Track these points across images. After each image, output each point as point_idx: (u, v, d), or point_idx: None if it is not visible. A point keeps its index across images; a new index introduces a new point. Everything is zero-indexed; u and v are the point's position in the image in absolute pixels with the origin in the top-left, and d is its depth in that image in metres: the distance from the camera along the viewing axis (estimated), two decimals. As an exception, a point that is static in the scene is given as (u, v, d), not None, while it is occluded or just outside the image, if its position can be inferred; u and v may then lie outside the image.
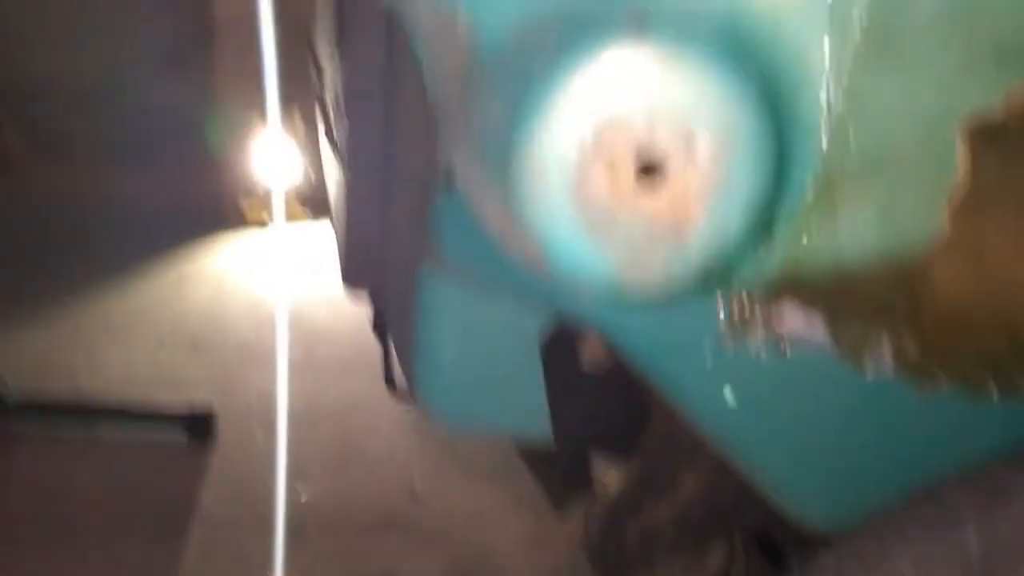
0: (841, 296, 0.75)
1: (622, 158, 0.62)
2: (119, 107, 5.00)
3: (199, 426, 2.98)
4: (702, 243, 0.64)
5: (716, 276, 0.69)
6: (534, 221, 0.63)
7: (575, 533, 1.43)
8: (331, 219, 1.65)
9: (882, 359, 0.78)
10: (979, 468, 1.01)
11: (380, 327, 2.12)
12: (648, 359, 0.96)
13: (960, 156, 0.70)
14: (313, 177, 4.20)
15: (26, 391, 3.03)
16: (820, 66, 0.66)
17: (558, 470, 1.37)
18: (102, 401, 3.11)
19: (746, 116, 0.62)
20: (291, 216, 4.46)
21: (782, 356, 0.79)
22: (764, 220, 0.67)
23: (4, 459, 2.76)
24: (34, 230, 4.49)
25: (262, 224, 4.78)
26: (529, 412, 1.32)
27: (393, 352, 1.98)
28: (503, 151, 0.63)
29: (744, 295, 0.75)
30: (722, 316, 0.78)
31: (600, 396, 1.30)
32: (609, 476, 1.27)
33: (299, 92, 1.85)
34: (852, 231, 0.71)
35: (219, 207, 4.98)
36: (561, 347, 1.26)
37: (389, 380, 2.66)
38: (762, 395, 0.96)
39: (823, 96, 0.67)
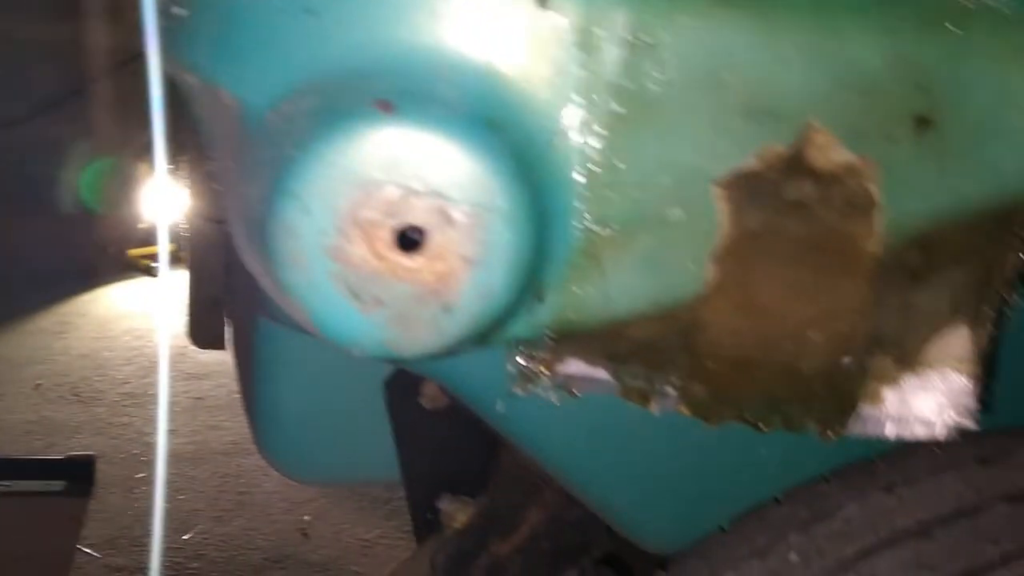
0: (618, 345, 0.78)
1: (379, 226, 0.64)
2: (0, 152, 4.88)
3: (78, 474, 2.91)
4: (468, 304, 0.66)
5: (489, 332, 0.71)
6: (296, 288, 0.65)
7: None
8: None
9: (668, 400, 0.81)
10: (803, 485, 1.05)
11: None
12: (476, 399, 0.98)
13: (720, 209, 0.74)
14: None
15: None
16: (574, 131, 0.69)
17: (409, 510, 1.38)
18: (-24, 452, 3.02)
19: (500, 185, 0.64)
20: (177, 262, 4.40)
21: (575, 399, 0.81)
22: (530, 278, 0.69)
23: None
24: (-90, 277, 4.35)
25: (147, 271, 4.71)
26: (375, 456, 1.33)
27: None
28: (263, 222, 0.64)
29: (523, 346, 0.78)
30: (508, 366, 0.80)
31: (447, 435, 1.31)
32: (457, 513, 1.28)
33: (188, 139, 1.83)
34: (621, 285, 0.74)
35: (103, 254, 4.89)
36: (404, 388, 1.27)
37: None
38: (582, 429, 0.99)
39: (578, 159, 0.69)
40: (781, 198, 0.75)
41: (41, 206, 4.91)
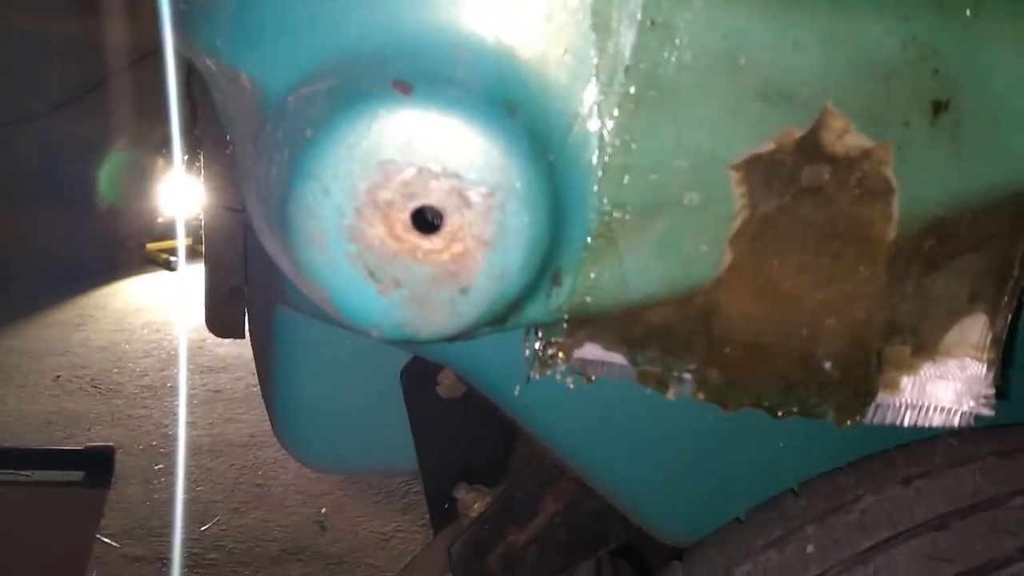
0: (634, 329, 0.78)
1: (397, 207, 0.64)
2: (19, 147, 4.91)
3: (96, 464, 2.93)
4: (485, 286, 0.67)
5: (506, 315, 0.71)
6: (314, 269, 0.65)
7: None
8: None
9: (684, 385, 0.81)
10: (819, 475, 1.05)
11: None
12: (492, 387, 0.98)
13: (737, 193, 0.74)
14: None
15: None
16: (590, 114, 0.69)
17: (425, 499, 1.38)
18: (-3, 442, 3.05)
19: (517, 167, 0.64)
20: (195, 256, 4.43)
21: (591, 384, 0.81)
22: (546, 260, 0.69)
23: None
24: (-71, 270, 4.39)
25: (165, 265, 4.74)
26: (393, 445, 1.33)
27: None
28: (282, 203, 0.64)
29: (540, 329, 0.78)
30: (525, 349, 0.80)
31: (463, 424, 1.31)
32: (474, 502, 1.28)
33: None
34: (637, 268, 0.74)
35: (122, 248, 4.92)
36: (420, 377, 1.28)
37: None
38: (599, 418, 0.99)
39: (594, 142, 0.69)
40: (797, 182, 0.75)
41: (60, 201, 4.94)
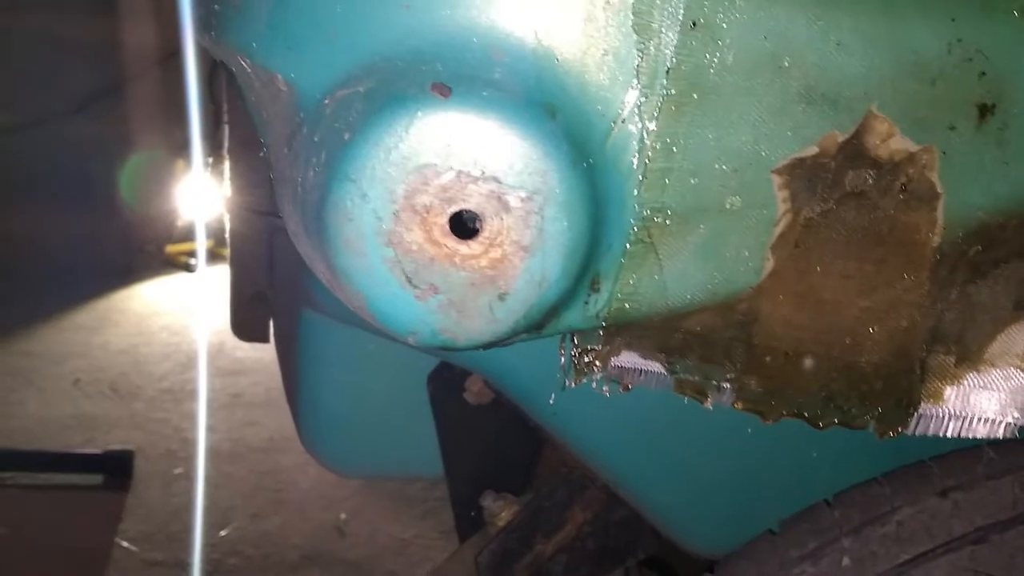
0: (673, 337, 0.76)
1: (435, 212, 0.63)
2: (39, 148, 4.94)
3: (116, 467, 2.94)
4: (523, 292, 0.65)
5: (544, 320, 0.70)
6: (351, 274, 0.64)
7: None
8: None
9: (723, 395, 0.79)
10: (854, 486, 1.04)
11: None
12: (523, 394, 0.97)
13: (779, 198, 0.72)
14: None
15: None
16: (631, 116, 0.68)
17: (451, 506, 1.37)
18: (16, 445, 3.05)
19: (556, 171, 0.63)
20: (214, 258, 4.44)
21: (624, 396, 0.80)
22: (585, 266, 0.68)
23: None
24: (-50, 273, 4.42)
25: (185, 267, 4.75)
26: (419, 451, 1.32)
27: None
28: (319, 207, 0.63)
29: (577, 336, 0.77)
30: (561, 357, 0.79)
31: (490, 431, 1.30)
32: (501, 511, 1.27)
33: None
34: (677, 274, 0.72)
35: (141, 250, 4.94)
36: (448, 383, 1.27)
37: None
38: (632, 427, 0.97)
39: (635, 145, 0.68)
40: (840, 187, 0.74)
41: (80, 202, 4.96)
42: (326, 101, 0.66)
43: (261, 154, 0.79)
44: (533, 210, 0.64)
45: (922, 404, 0.82)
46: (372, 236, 0.63)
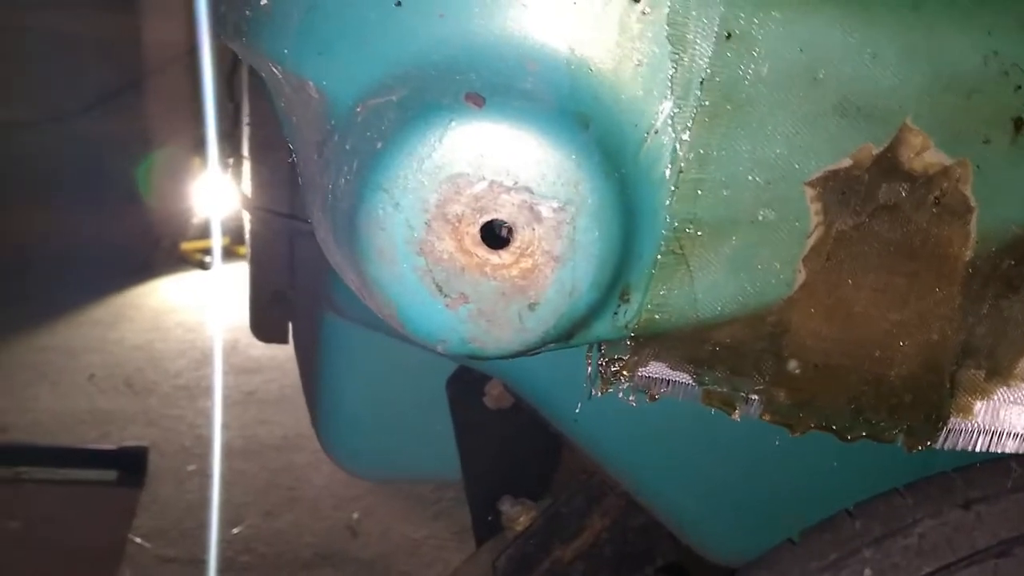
0: (702, 348, 0.76)
1: (467, 221, 0.63)
2: (55, 145, 4.96)
3: (130, 464, 2.94)
4: (553, 302, 0.65)
5: (574, 330, 0.69)
6: (382, 282, 0.64)
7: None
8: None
9: (751, 407, 0.79)
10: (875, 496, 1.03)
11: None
12: (545, 401, 0.97)
13: (812, 210, 0.72)
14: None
15: (-45, 432, 2.98)
16: (664, 127, 0.67)
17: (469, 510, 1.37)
18: (32, 440, 3.06)
19: (589, 182, 0.63)
20: (230, 256, 4.44)
21: (645, 404, 0.80)
22: (616, 277, 0.68)
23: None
24: (-34, 269, 4.44)
25: (200, 264, 4.76)
26: (438, 455, 1.32)
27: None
28: (350, 216, 0.63)
29: (604, 346, 0.76)
30: (588, 366, 0.79)
31: (509, 436, 1.30)
32: (519, 516, 1.27)
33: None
34: (708, 286, 0.72)
35: (156, 247, 4.95)
36: (467, 387, 1.27)
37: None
38: (655, 435, 0.97)
39: (668, 156, 0.68)
40: (874, 200, 0.73)
41: (95, 199, 4.98)
42: (358, 109, 0.66)
43: (290, 159, 0.79)
44: (565, 220, 0.63)
45: (951, 418, 0.81)
46: (403, 245, 0.63)
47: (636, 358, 0.76)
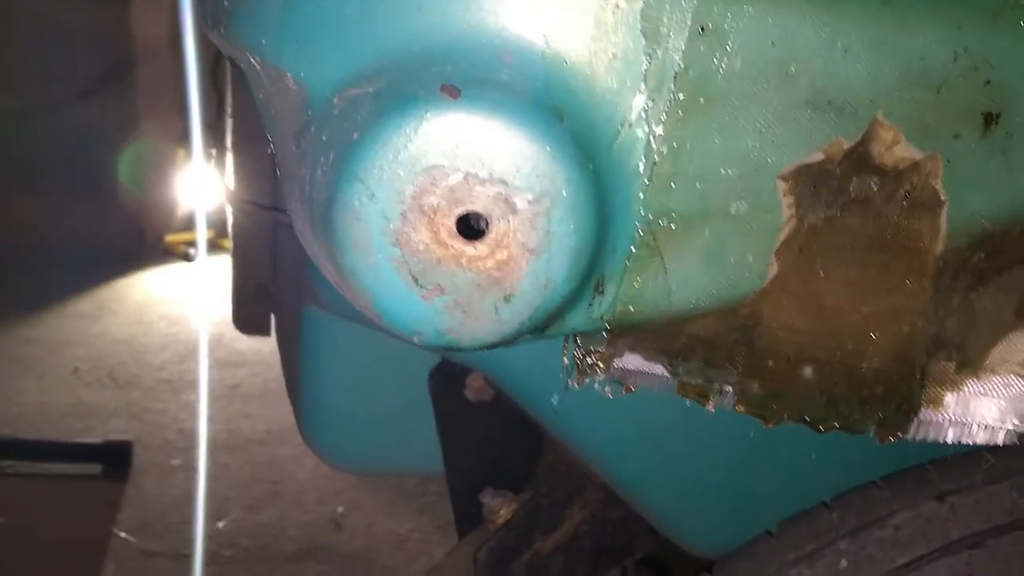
0: (677, 340, 0.77)
1: (442, 213, 0.63)
2: (39, 135, 4.93)
3: (115, 457, 2.94)
4: (528, 293, 0.66)
5: (549, 321, 0.70)
6: (358, 273, 0.64)
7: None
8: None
9: (725, 398, 0.80)
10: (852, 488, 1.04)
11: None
12: (525, 393, 0.97)
13: (784, 203, 0.72)
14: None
15: (-63, 425, 2.97)
16: (638, 120, 0.68)
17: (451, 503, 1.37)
18: (15, 433, 3.05)
19: (563, 174, 0.63)
20: (214, 249, 4.43)
21: (624, 396, 0.81)
22: (590, 269, 0.68)
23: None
24: (-51, 258, 4.41)
25: (185, 257, 4.75)
26: (419, 447, 1.33)
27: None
28: (327, 206, 0.64)
29: (580, 338, 0.77)
30: (564, 358, 0.79)
31: (491, 428, 1.30)
32: (500, 508, 1.27)
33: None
34: (682, 278, 0.73)
35: (141, 239, 4.93)
36: (449, 380, 1.27)
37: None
38: (633, 427, 0.98)
39: (641, 149, 0.68)
40: (845, 193, 0.74)
41: (80, 190, 4.96)
42: (335, 100, 0.66)
43: (268, 150, 0.79)
44: (540, 212, 0.64)
45: (922, 410, 0.82)
46: (379, 236, 0.63)
47: (611, 350, 0.77)
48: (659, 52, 0.67)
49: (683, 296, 0.74)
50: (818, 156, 0.72)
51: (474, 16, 0.66)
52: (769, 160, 0.71)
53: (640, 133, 0.68)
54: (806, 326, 0.77)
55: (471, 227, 0.65)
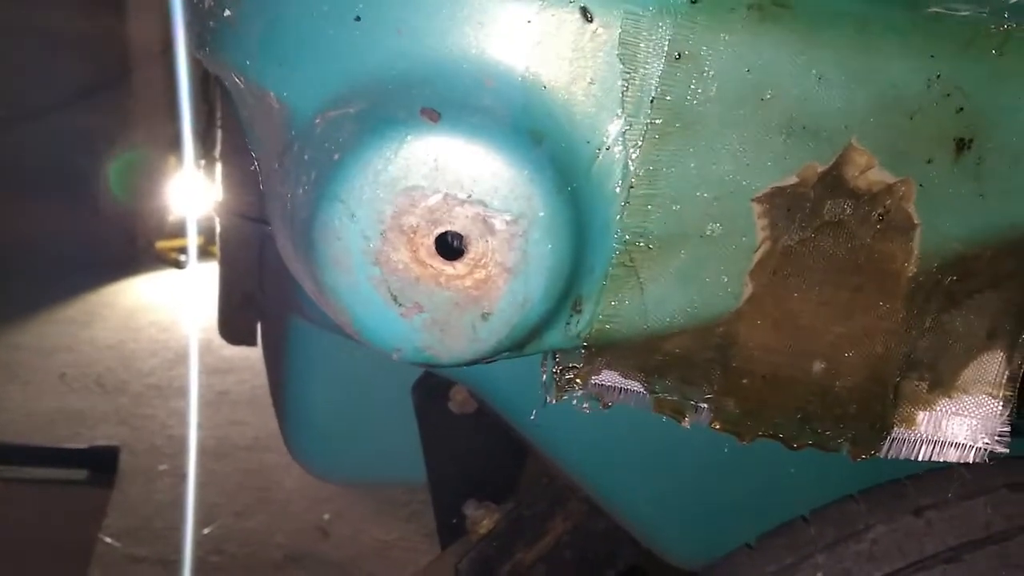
0: (653, 358, 0.78)
1: (422, 233, 0.64)
2: (30, 142, 4.93)
3: (101, 463, 2.94)
4: (506, 312, 0.67)
5: (527, 340, 0.71)
6: (338, 291, 0.66)
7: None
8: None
9: (701, 415, 0.81)
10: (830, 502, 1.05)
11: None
12: (507, 406, 0.99)
13: (759, 226, 0.74)
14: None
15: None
16: (616, 144, 0.69)
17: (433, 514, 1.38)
18: (2, 439, 3.05)
19: (541, 196, 0.65)
20: (205, 255, 4.43)
21: (605, 411, 0.82)
22: (567, 288, 0.70)
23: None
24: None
25: (175, 263, 4.75)
26: (403, 458, 1.33)
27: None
28: (307, 225, 0.65)
29: (558, 355, 0.78)
30: (543, 374, 0.81)
31: (474, 440, 1.31)
32: (482, 519, 1.28)
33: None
34: (658, 298, 0.74)
35: (132, 245, 4.93)
36: (432, 392, 1.28)
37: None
38: (614, 440, 0.99)
39: (619, 172, 0.70)
40: (819, 216, 0.75)
41: (71, 196, 4.96)
42: (317, 120, 0.67)
43: (252, 166, 0.80)
44: (518, 233, 0.65)
45: (895, 428, 0.83)
46: (359, 255, 0.64)
47: (589, 367, 0.78)
48: (636, 77, 0.69)
49: (659, 315, 0.75)
50: (792, 180, 0.73)
51: (455, 41, 0.67)
52: (744, 183, 0.72)
53: (617, 156, 0.69)
54: (780, 345, 0.79)
55: (450, 247, 0.66)
